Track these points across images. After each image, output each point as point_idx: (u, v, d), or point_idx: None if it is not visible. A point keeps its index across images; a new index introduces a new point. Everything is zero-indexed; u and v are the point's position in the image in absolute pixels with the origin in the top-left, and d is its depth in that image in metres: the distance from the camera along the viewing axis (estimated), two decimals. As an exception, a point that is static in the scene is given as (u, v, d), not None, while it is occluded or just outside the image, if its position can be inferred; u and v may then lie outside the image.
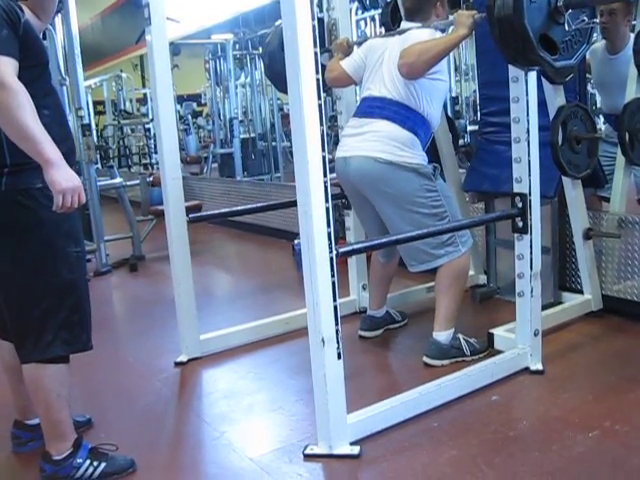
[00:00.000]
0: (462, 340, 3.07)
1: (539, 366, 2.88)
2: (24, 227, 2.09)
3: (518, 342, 2.92)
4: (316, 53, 2.10)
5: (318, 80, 2.11)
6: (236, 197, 7.20)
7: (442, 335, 3.04)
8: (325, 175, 2.16)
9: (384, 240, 2.79)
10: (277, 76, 3.51)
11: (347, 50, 3.29)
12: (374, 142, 2.92)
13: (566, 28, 2.48)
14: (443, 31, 3.02)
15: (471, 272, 4.12)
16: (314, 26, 2.08)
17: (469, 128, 7.67)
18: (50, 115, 2.09)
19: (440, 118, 3.14)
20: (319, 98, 2.12)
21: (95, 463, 2.27)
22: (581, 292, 3.54)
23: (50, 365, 2.17)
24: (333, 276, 2.21)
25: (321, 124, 2.13)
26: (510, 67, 2.69)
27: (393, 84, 2.92)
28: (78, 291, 2.22)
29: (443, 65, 2.94)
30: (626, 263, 3.42)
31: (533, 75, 2.70)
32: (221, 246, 6.47)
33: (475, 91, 8.71)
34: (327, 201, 2.17)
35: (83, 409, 2.75)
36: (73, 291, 2.20)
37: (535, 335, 2.88)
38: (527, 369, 2.88)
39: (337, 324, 2.24)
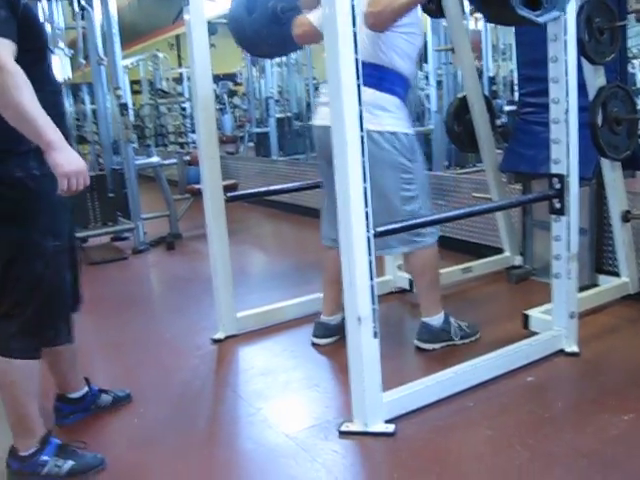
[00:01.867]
0: (453, 323, 3.07)
1: (575, 348, 2.87)
2: (2, 218, 2.04)
3: (554, 324, 2.91)
4: (354, 33, 2.10)
5: (357, 60, 2.11)
6: (272, 176, 7.24)
7: (433, 319, 3.04)
8: (363, 155, 2.17)
9: (428, 219, 2.77)
10: (247, 40, 3.43)
11: (314, 5, 3.00)
12: None
13: None
14: None
15: (507, 253, 4.13)
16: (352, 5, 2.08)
17: (506, 108, 7.58)
18: (43, 100, 1.95)
19: (415, 71, 2.94)
20: (357, 78, 2.12)
21: (61, 461, 2.20)
22: (618, 275, 3.51)
23: (16, 360, 2.10)
24: (370, 255, 2.23)
25: (359, 104, 2.14)
26: (550, 46, 2.66)
27: (362, 42, 2.60)
28: (50, 286, 2.13)
29: (414, 17, 2.74)
30: (665, 246, 3.39)
31: (573, 55, 2.66)
32: (257, 225, 6.50)
33: (512, 71, 8.63)
34: (365, 181, 2.18)
35: (122, 384, 2.81)
36: (45, 285, 2.11)
37: (571, 317, 2.87)
38: (562, 351, 2.87)
39: (374, 303, 2.26)
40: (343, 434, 2.35)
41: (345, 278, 2.26)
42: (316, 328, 3.26)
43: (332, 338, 3.22)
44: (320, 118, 2.96)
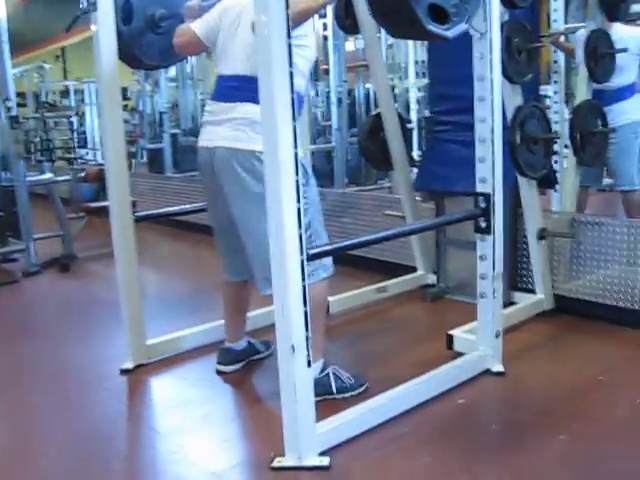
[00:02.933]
0: (332, 376, 2.71)
1: (500, 367, 2.85)
2: None
3: (479, 344, 2.88)
4: (290, 45, 1.99)
5: (291, 74, 2.00)
6: (167, 194, 7.00)
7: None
8: (297, 174, 2.05)
9: (355, 241, 2.65)
10: (124, 52, 3.13)
11: (198, 14, 2.87)
12: (237, 131, 2.59)
13: None
14: None
15: (420, 271, 4.11)
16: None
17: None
18: None
19: (308, 88, 2.77)
20: (292, 92, 2.01)
21: None
22: (533, 292, 3.54)
23: None
24: (304, 280, 2.11)
25: (293, 119, 2.03)
26: (475, 65, 2.64)
27: (248, 56, 2.57)
28: None
29: (307, 29, 2.57)
30: (577, 262, 3.44)
31: (498, 74, 2.66)
32: (155, 245, 6.24)
33: (407, 89, 8.78)
34: (298, 201, 2.07)
35: (26, 422, 2.57)
36: None
37: (496, 337, 2.85)
38: (489, 371, 2.84)
39: (307, 330, 2.14)
40: (275, 470, 2.20)
41: (277, 304, 2.13)
42: (221, 355, 3.08)
43: (239, 364, 3.07)
44: (206, 139, 2.75)
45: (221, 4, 2.79)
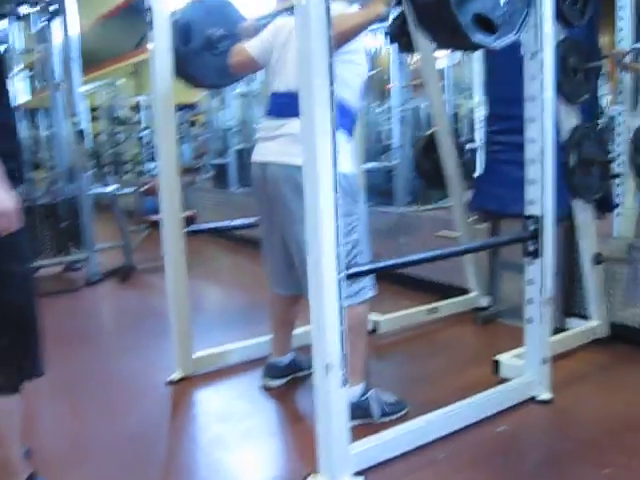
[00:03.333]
0: (372, 399, 2.67)
1: (547, 395, 2.77)
2: None
3: (526, 370, 2.81)
4: (330, 64, 1.99)
5: (332, 92, 2.00)
6: (230, 208, 7.10)
7: (349, 391, 2.42)
8: (336, 191, 2.05)
9: (400, 261, 2.63)
10: (184, 72, 3.25)
11: (254, 34, 2.93)
12: (288, 146, 2.58)
13: (501, 3, 2.13)
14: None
15: (473, 294, 4.04)
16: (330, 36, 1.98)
17: (467, 146, 7.58)
18: None
19: (359, 104, 2.73)
20: (332, 110, 2.01)
21: None
22: (587, 318, 3.44)
23: None
24: (340, 299, 2.10)
25: (333, 137, 2.03)
26: (526, 85, 2.59)
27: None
28: (21, 314, 2.01)
29: (358, 46, 2.59)
30: (635, 289, 3.32)
31: (550, 94, 2.60)
32: (213, 258, 6.34)
33: (472, 109, 8.67)
34: (337, 219, 2.06)
35: (71, 427, 2.63)
36: (16, 314, 2.00)
37: (543, 363, 2.78)
38: (534, 398, 2.77)
39: (343, 350, 2.12)
40: (308, 488, 2.20)
41: (313, 323, 2.12)
42: (267, 369, 3.10)
43: (284, 379, 3.09)
44: (259, 154, 2.77)
45: (273, 23, 2.84)
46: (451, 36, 2.13)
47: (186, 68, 3.22)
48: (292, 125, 2.57)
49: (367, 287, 2.63)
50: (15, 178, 1.91)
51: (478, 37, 2.07)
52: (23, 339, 2.02)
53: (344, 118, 2.59)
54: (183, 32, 3.18)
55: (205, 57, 3.28)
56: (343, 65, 2.51)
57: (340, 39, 2.32)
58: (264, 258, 3.04)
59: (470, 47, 2.20)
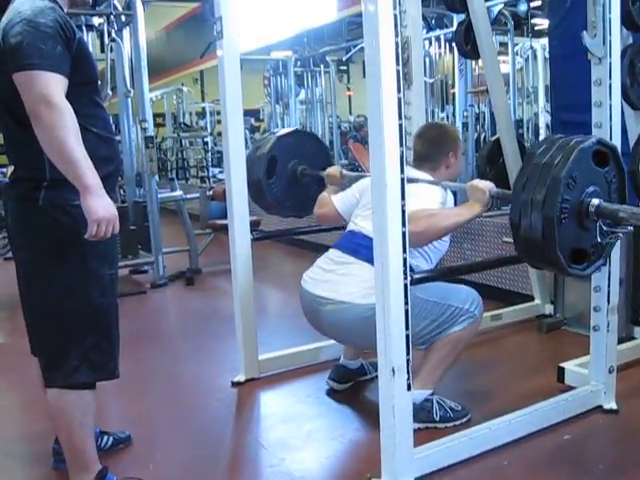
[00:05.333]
0: (435, 403, 2.69)
1: (613, 405, 2.74)
2: (59, 245, 2.01)
3: (591, 378, 2.78)
4: (398, 71, 2.02)
5: (399, 100, 2.03)
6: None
7: (417, 393, 2.57)
8: (403, 198, 2.08)
9: (464, 265, 2.64)
10: (267, 203, 3.47)
11: (339, 182, 3.09)
12: (352, 286, 2.60)
13: (598, 240, 2.10)
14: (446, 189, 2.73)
15: (537, 301, 4.01)
16: (397, 43, 2.01)
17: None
18: (97, 134, 2.06)
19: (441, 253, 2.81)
20: (400, 118, 2.04)
21: None
22: (655, 327, 3.38)
23: (73, 391, 2.08)
24: (406, 304, 2.12)
25: (401, 145, 2.05)
26: (593, 91, 2.57)
27: None
28: (108, 316, 2.14)
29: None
30: None
31: (617, 100, 2.58)
32: (278, 263, 6.42)
33: (537, 114, 8.58)
34: (404, 225, 2.09)
35: (138, 425, 2.72)
36: (103, 316, 2.11)
37: (610, 372, 2.74)
38: (600, 407, 2.74)
39: (408, 354, 2.15)
40: (370, 490, 2.23)
41: (379, 327, 2.15)
42: (335, 371, 3.14)
43: (349, 383, 3.13)
44: (313, 283, 2.82)
45: (362, 182, 2.92)
46: (551, 267, 2.23)
47: (269, 200, 3.40)
48: (357, 267, 2.63)
49: (469, 314, 2.67)
50: (112, 183, 2.02)
51: (574, 270, 2.10)
52: (107, 341, 2.14)
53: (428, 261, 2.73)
54: (268, 166, 3.32)
55: (288, 190, 3.42)
56: (432, 244, 2.64)
57: (438, 234, 2.47)
58: None
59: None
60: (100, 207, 1.88)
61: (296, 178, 3.38)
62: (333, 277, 2.71)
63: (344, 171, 3.15)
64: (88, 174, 1.86)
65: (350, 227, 2.84)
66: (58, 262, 2.02)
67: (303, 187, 3.38)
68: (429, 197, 2.57)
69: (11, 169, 2.11)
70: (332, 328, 2.76)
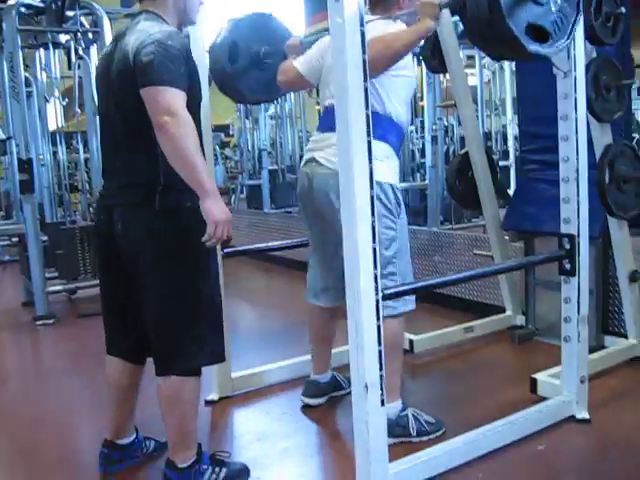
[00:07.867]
0: (411, 417, 2.69)
1: (585, 415, 2.76)
2: (176, 244, 2.19)
3: (564, 389, 2.80)
4: (366, 88, 2.03)
5: (367, 116, 2.04)
6: (264, 229, 7.15)
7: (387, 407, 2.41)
8: (373, 215, 2.08)
9: (436, 281, 2.65)
10: (231, 88, 3.34)
11: (301, 50, 2.98)
12: (336, 156, 2.51)
13: (552, 9, 2.11)
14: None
15: (509, 312, 4.04)
16: (364, 60, 2.02)
17: (500, 163, 7.57)
18: None
19: (409, 117, 2.80)
20: (368, 134, 2.05)
21: (217, 469, 2.37)
22: (625, 336, 3.42)
23: (191, 378, 2.28)
24: (378, 319, 2.12)
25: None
26: (560, 104, 2.61)
27: None
28: (216, 306, 2.35)
29: (407, 60, 2.61)
30: (673, 307, 3.30)
31: (583, 113, 2.62)
32: (249, 279, 6.38)
33: (505, 126, 8.67)
34: (374, 241, 2.09)
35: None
36: (214, 305, 2.33)
37: (581, 382, 2.77)
38: (573, 417, 2.76)
39: (381, 369, 2.15)
40: (347, 508, 2.22)
41: (351, 343, 2.15)
42: (307, 388, 3.12)
43: (324, 397, 3.11)
44: (307, 162, 2.83)
45: (322, 41, 2.88)
46: (505, 47, 2.14)
47: (234, 86, 3.31)
48: None
49: (407, 300, 2.65)
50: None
51: (533, 47, 2.09)
52: (218, 330, 2.35)
53: (393, 135, 2.66)
54: (230, 51, 3.25)
55: (252, 73, 3.33)
56: (397, 81, 2.61)
57: (393, 57, 2.40)
58: (310, 269, 3.06)
59: (527, 57, 2.18)
60: (217, 210, 2.08)
61: (260, 61, 3.30)
62: (319, 154, 2.75)
63: (303, 38, 3.07)
64: (207, 180, 2.07)
65: (323, 103, 2.84)
66: (176, 260, 2.20)
67: (269, 69, 3.24)
68: (375, 29, 2.43)
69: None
70: (321, 203, 2.74)
